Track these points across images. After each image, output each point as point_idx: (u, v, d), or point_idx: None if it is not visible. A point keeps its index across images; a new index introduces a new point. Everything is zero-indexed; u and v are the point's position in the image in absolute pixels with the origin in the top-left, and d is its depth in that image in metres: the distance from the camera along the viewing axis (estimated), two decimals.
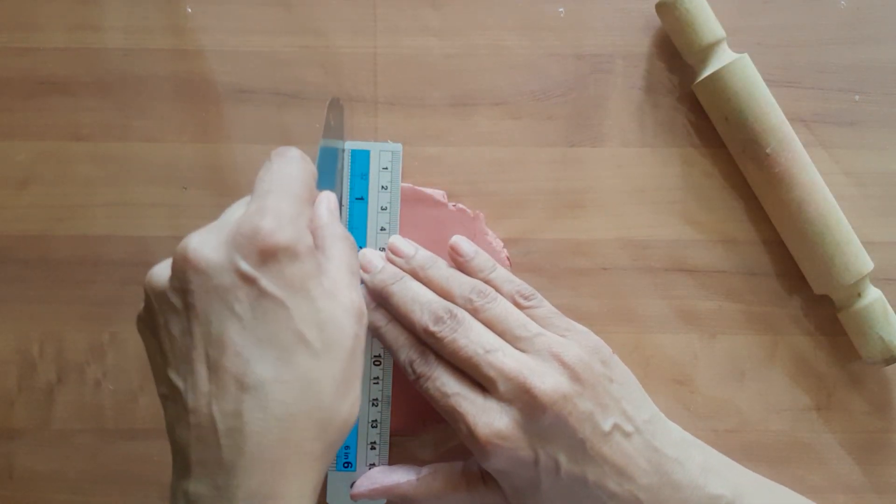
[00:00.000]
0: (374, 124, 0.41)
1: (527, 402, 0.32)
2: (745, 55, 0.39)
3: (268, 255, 0.28)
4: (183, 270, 0.28)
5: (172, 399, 0.29)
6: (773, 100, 0.39)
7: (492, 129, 0.41)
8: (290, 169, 0.31)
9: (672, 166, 0.41)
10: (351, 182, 0.38)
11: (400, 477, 0.36)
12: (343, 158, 0.38)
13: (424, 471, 0.37)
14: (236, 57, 0.41)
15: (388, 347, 0.36)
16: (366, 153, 0.38)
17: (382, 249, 0.38)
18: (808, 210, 0.39)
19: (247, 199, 0.32)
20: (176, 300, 0.28)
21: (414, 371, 0.34)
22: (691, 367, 0.41)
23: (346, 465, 0.38)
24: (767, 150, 0.39)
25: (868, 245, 0.40)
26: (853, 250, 0.39)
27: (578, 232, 0.41)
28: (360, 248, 0.37)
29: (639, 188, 0.41)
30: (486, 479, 0.35)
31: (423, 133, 0.41)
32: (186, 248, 0.29)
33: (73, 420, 0.41)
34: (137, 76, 0.41)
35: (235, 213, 0.31)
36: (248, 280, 0.28)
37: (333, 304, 0.29)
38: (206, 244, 0.29)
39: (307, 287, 0.29)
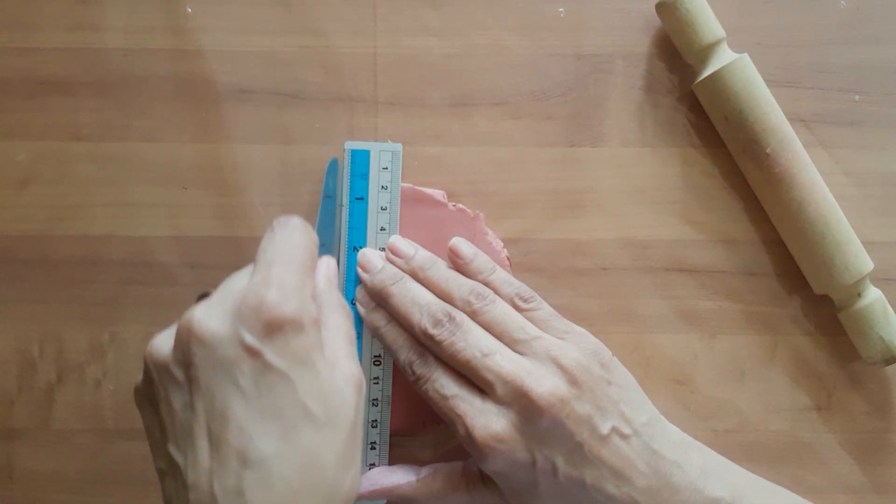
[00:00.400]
0: (374, 124, 0.41)
1: (524, 406, 0.32)
2: (745, 55, 0.39)
3: (273, 328, 0.28)
4: (187, 342, 0.28)
5: (171, 475, 0.28)
6: (773, 100, 0.39)
7: (492, 129, 0.41)
8: (293, 238, 0.31)
9: (672, 166, 0.41)
10: (351, 182, 0.38)
11: (400, 478, 0.36)
12: (340, 212, 0.38)
13: (424, 471, 0.37)
14: (236, 57, 0.41)
15: (387, 348, 0.36)
16: (366, 153, 0.38)
17: (382, 249, 0.38)
18: (808, 210, 0.39)
19: (249, 268, 0.31)
20: (178, 373, 0.28)
21: (413, 372, 0.34)
22: (691, 367, 0.41)
23: None
24: (767, 150, 0.39)
25: (868, 245, 0.40)
26: (853, 250, 0.39)
27: (578, 232, 0.41)
28: (360, 248, 0.38)
29: (639, 188, 0.41)
30: (485, 479, 0.35)
31: (423, 133, 0.41)
32: (191, 319, 0.28)
33: (73, 420, 0.41)
34: (137, 76, 0.41)
35: (238, 282, 0.30)
36: (252, 353, 0.27)
37: (335, 375, 0.29)
38: (211, 316, 0.28)
39: (311, 359, 0.28)
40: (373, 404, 0.38)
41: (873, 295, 0.39)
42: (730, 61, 0.39)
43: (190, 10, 0.41)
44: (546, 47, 0.41)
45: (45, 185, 0.41)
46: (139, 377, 0.31)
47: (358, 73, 0.41)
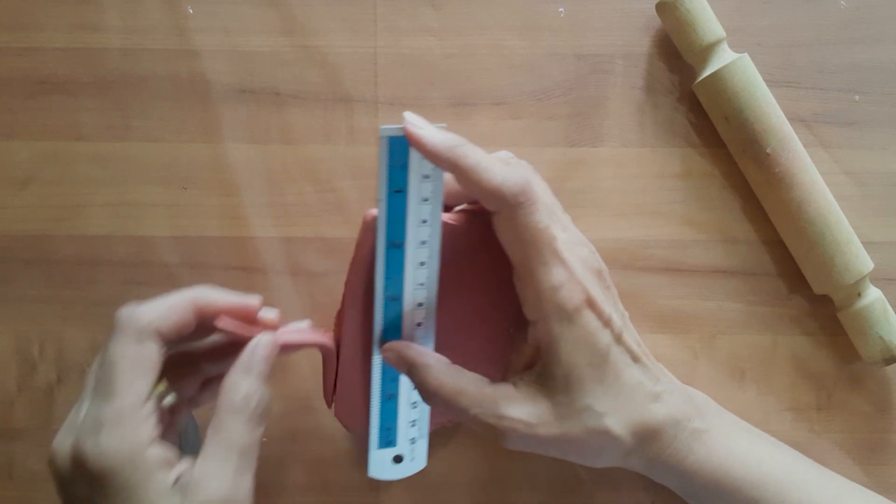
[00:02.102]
0: (374, 124, 0.41)
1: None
2: (746, 55, 0.39)
3: (92, 478, 0.28)
4: (52, 474, 0.30)
5: None
6: (773, 100, 0.39)
7: (492, 129, 0.41)
8: (123, 356, 0.30)
9: (672, 166, 0.41)
10: (389, 173, 0.32)
11: (433, 357, 0.34)
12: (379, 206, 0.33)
13: (456, 367, 0.34)
14: (236, 57, 0.41)
15: None
16: (404, 140, 0.31)
17: (423, 243, 0.33)
18: (808, 210, 0.39)
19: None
20: None
21: None
22: (691, 367, 0.41)
23: (387, 443, 0.37)
24: (767, 150, 0.39)
25: (868, 245, 0.40)
26: (853, 250, 0.39)
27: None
28: (399, 244, 0.33)
29: (639, 188, 0.41)
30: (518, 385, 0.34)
31: None
32: (50, 451, 0.30)
33: None
34: (137, 76, 0.41)
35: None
36: (85, 499, 0.29)
37: None
38: (57, 453, 0.30)
39: (139, 499, 0.28)
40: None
41: (873, 295, 0.39)
42: (730, 61, 0.39)
43: (190, 11, 0.41)
44: (546, 47, 0.41)
45: (45, 185, 0.41)
46: None
47: (358, 73, 0.41)
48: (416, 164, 0.32)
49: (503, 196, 0.31)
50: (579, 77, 0.41)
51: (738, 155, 0.40)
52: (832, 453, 0.41)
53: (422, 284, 0.34)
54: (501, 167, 0.31)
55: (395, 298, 0.34)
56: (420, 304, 0.34)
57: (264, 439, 0.39)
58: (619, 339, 0.33)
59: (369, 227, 0.32)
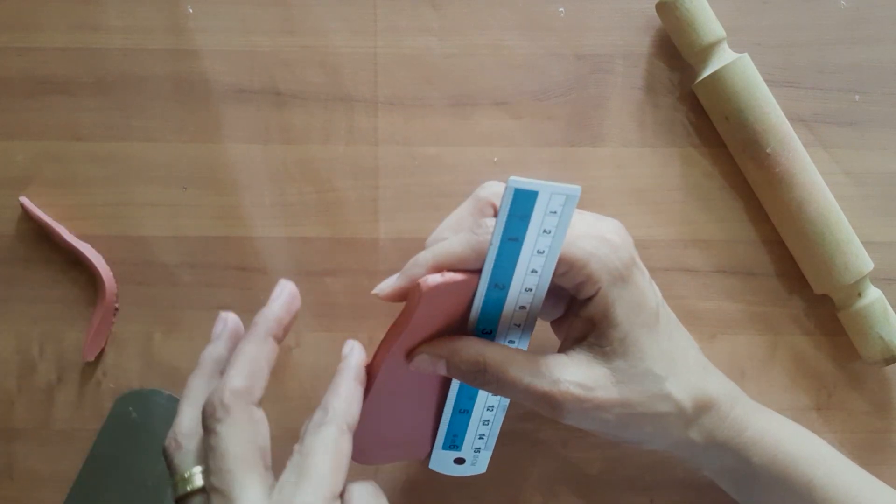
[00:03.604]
0: (374, 124, 0.41)
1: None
2: (746, 55, 0.39)
3: None
4: None
5: None
6: (773, 100, 0.39)
7: (492, 129, 0.41)
8: (326, 449, 0.30)
9: (672, 166, 0.41)
10: (507, 221, 0.30)
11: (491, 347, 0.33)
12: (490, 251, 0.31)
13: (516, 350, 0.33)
14: (236, 57, 0.41)
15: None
16: (532, 194, 0.30)
17: (528, 290, 0.32)
18: (808, 210, 0.39)
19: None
20: None
21: None
22: None
23: (452, 446, 0.37)
24: (768, 150, 0.39)
25: (868, 245, 0.40)
26: (853, 250, 0.39)
27: None
28: (504, 286, 0.32)
29: (639, 188, 0.41)
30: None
31: (423, 133, 0.41)
32: None
33: (73, 420, 0.41)
34: (137, 76, 0.41)
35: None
36: None
37: None
38: None
39: None
40: (487, 409, 0.36)
41: (873, 295, 0.39)
42: (730, 61, 0.39)
43: (190, 10, 0.41)
44: (546, 47, 0.41)
45: (45, 185, 0.41)
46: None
47: (358, 73, 0.41)
48: (539, 218, 0.31)
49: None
50: (579, 77, 0.41)
51: (738, 155, 0.40)
52: None
53: (518, 326, 0.34)
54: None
55: (487, 332, 0.33)
56: (511, 342, 0.34)
57: None
58: (662, 299, 0.33)
59: (424, 299, 0.31)
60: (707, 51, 0.39)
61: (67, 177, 0.41)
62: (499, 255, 0.31)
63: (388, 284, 0.32)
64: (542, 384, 0.31)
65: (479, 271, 0.32)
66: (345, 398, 0.31)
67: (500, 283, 0.32)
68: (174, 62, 0.41)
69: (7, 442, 0.41)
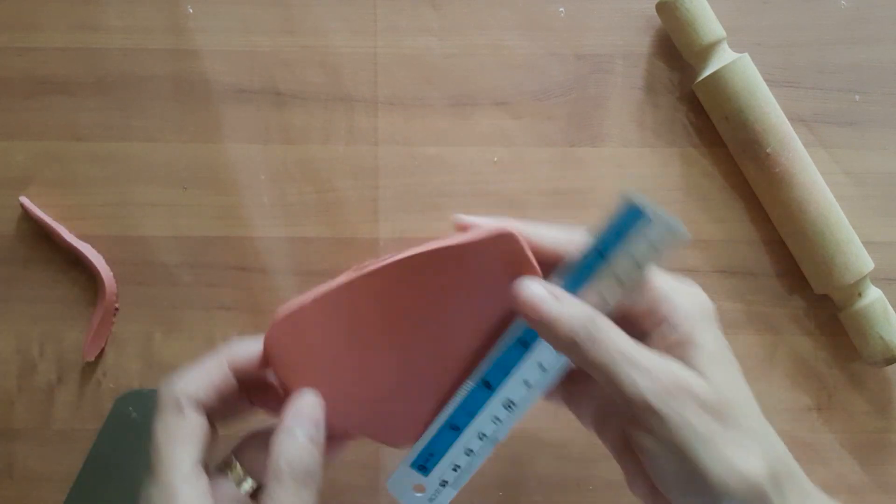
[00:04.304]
0: (374, 124, 0.41)
1: None
2: (746, 55, 0.39)
3: None
4: None
5: None
6: (773, 100, 0.39)
7: (492, 129, 0.41)
8: (165, 436, 0.29)
9: (672, 166, 0.41)
10: (604, 234, 0.29)
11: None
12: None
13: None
14: (236, 57, 0.41)
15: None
16: (639, 214, 0.28)
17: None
18: (808, 210, 0.39)
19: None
20: None
21: None
22: None
23: (421, 467, 0.34)
24: (768, 150, 0.39)
25: (868, 245, 0.40)
26: (853, 250, 0.39)
27: None
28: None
29: (639, 188, 0.41)
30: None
31: (423, 133, 0.41)
32: None
33: (73, 420, 0.41)
34: (137, 76, 0.41)
35: None
36: None
37: None
38: None
39: None
40: (479, 437, 0.33)
41: (873, 295, 0.39)
42: (730, 61, 0.39)
43: (190, 10, 0.41)
44: (546, 47, 0.41)
45: (45, 185, 0.41)
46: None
47: (358, 73, 0.41)
48: (633, 243, 0.29)
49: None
50: (579, 77, 0.41)
51: (738, 155, 0.40)
52: (832, 453, 0.41)
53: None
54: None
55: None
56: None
57: None
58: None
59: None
60: (707, 51, 0.39)
61: (67, 177, 0.41)
62: (583, 266, 0.29)
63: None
64: (650, 362, 0.28)
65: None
66: (198, 372, 0.30)
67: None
68: (174, 62, 0.41)
69: (7, 442, 0.41)
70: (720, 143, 0.41)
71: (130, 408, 0.40)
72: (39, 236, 0.41)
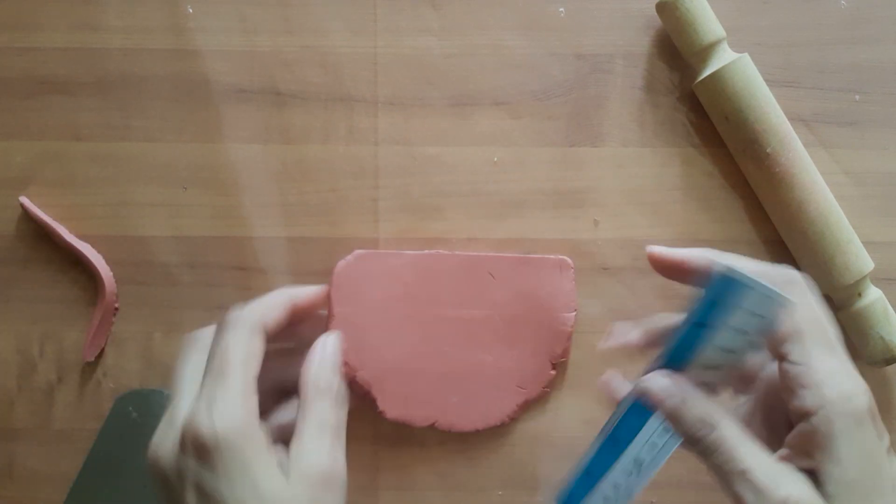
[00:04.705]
0: (374, 124, 0.41)
1: None
2: (746, 55, 0.39)
3: (204, 452, 0.28)
4: (152, 475, 0.31)
5: None
6: (773, 100, 0.39)
7: (492, 129, 0.41)
8: (236, 344, 0.31)
9: (672, 166, 0.41)
10: (704, 305, 0.28)
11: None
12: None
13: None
14: (236, 57, 0.41)
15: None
16: (740, 286, 0.28)
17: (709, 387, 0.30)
18: (808, 210, 0.39)
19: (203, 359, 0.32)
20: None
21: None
22: None
23: None
24: (768, 150, 0.39)
25: (868, 245, 0.40)
26: (853, 250, 0.39)
27: (578, 232, 0.41)
28: (677, 368, 0.30)
29: (639, 188, 0.41)
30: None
31: (423, 133, 0.41)
32: (150, 447, 0.31)
33: (73, 420, 0.41)
34: (137, 76, 0.41)
35: (185, 398, 0.31)
36: (192, 482, 0.29)
37: (289, 479, 0.29)
38: (160, 445, 0.30)
39: (248, 472, 0.29)
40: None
41: (874, 295, 0.39)
42: (730, 61, 0.39)
43: (190, 10, 0.41)
44: (546, 47, 0.41)
45: (45, 185, 0.41)
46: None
47: (358, 73, 0.41)
48: (741, 317, 0.28)
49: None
50: (579, 77, 0.41)
51: (738, 155, 0.40)
52: None
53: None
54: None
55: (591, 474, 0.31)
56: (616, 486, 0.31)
57: None
58: (892, 462, 0.28)
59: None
60: (707, 51, 0.39)
61: (67, 177, 0.41)
62: (683, 336, 0.29)
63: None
64: (763, 479, 0.27)
65: None
66: (265, 302, 0.33)
67: (674, 365, 0.30)
68: (174, 62, 0.41)
69: (7, 442, 0.41)
70: (720, 143, 0.41)
71: (130, 408, 0.40)
72: (39, 236, 0.41)
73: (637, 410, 0.30)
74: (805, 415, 0.28)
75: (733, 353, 0.29)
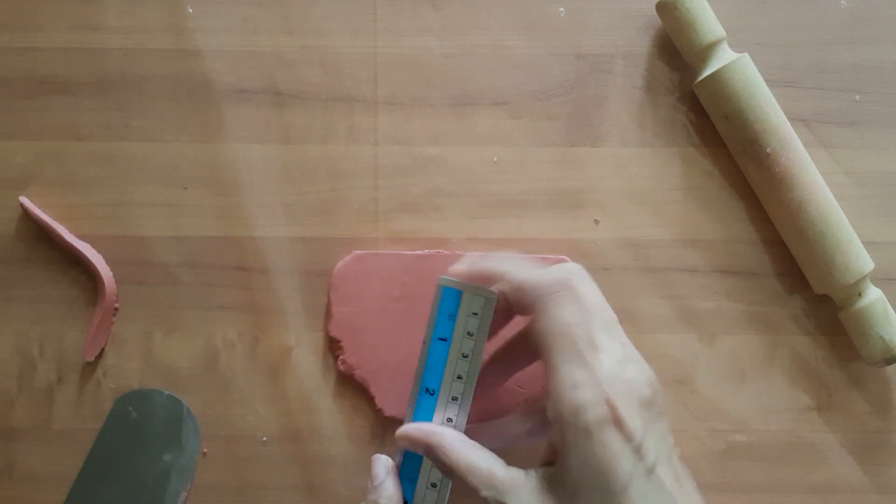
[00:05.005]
0: (374, 124, 0.41)
1: None
2: (746, 55, 0.39)
3: None
4: None
5: None
6: (773, 99, 0.39)
7: (492, 129, 0.41)
8: None
9: (672, 166, 0.41)
10: (437, 320, 0.34)
11: (447, 433, 0.33)
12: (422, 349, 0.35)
13: (472, 442, 0.33)
14: (236, 57, 0.41)
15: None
16: (458, 293, 0.34)
17: (454, 400, 0.34)
18: (808, 210, 0.39)
19: None
20: None
21: None
22: (691, 367, 0.41)
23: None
24: (768, 150, 0.39)
25: (868, 245, 0.40)
26: (853, 250, 0.39)
27: (578, 232, 0.41)
28: (434, 391, 0.34)
29: (639, 188, 0.41)
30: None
31: (423, 133, 0.41)
32: None
33: (73, 420, 0.41)
34: (137, 76, 0.41)
35: None
36: None
37: None
38: None
39: None
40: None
41: (874, 295, 0.39)
42: (730, 61, 0.39)
43: (190, 10, 0.41)
44: (546, 47, 0.41)
45: (45, 185, 0.41)
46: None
47: (358, 73, 0.41)
48: (463, 319, 0.34)
49: (534, 288, 0.31)
50: (579, 77, 0.41)
51: (738, 155, 0.40)
52: (832, 453, 0.41)
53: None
54: (537, 268, 0.32)
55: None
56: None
57: (264, 439, 0.40)
58: (650, 471, 0.29)
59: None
60: (707, 51, 0.39)
61: (67, 177, 0.41)
62: (429, 356, 0.34)
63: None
64: (485, 491, 0.31)
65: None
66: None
67: (432, 389, 0.34)
68: (174, 62, 0.41)
69: (7, 442, 0.41)
70: (720, 143, 0.41)
71: (130, 408, 0.40)
72: (39, 236, 0.41)
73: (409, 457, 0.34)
74: (550, 423, 0.30)
75: (469, 358, 0.34)
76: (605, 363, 0.30)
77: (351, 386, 0.40)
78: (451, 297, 0.34)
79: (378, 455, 0.35)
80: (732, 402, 0.41)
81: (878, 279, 0.40)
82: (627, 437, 0.29)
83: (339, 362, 0.40)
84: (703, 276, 0.41)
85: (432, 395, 0.34)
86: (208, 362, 0.40)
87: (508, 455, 0.32)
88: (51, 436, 0.41)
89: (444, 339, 0.34)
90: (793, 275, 0.41)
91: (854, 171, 0.41)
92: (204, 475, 0.40)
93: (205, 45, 0.41)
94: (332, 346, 0.40)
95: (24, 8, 0.41)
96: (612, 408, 0.29)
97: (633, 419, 0.29)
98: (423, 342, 0.34)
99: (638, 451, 0.29)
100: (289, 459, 0.40)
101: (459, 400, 0.34)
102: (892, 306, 0.39)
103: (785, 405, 0.41)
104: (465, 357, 0.34)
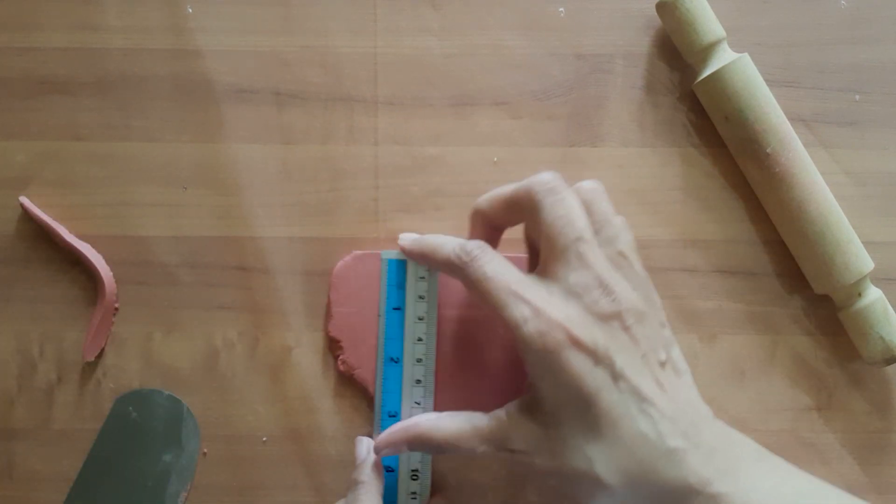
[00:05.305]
0: (374, 124, 0.41)
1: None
2: (746, 55, 0.39)
3: None
4: None
5: None
6: (773, 99, 0.39)
7: (492, 129, 0.41)
8: None
9: (672, 166, 0.41)
10: (388, 292, 0.38)
11: (419, 419, 0.35)
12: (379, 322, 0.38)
13: (446, 413, 0.35)
14: (236, 57, 0.41)
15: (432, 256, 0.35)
16: (403, 263, 0.38)
17: (419, 361, 0.37)
18: (808, 210, 0.39)
19: None
20: None
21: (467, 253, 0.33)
22: (691, 366, 0.41)
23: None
24: (768, 150, 0.39)
25: (868, 245, 0.40)
26: (853, 250, 0.39)
27: None
28: (397, 359, 0.38)
29: (639, 188, 0.41)
30: (510, 417, 0.34)
31: (423, 133, 0.41)
32: None
33: (73, 420, 0.41)
34: (137, 76, 0.41)
35: None
36: None
37: None
38: None
39: None
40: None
41: (874, 295, 0.39)
42: (730, 61, 0.39)
43: (190, 10, 0.41)
44: (546, 47, 0.41)
45: (45, 185, 0.41)
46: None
47: (358, 73, 0.41)
48: (413, 285, 0.37)
49: (527, 193, 0.34)
50: (579, 77, 0.41)
51: (738, 155, 0.40)
52: (832, 453, 0.41)
53: (418, 403, 0.37)
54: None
55: (392, 415, 0.37)
56: (417, 404, 0.38)
57: (264, 439, 0.40)
58: (617, 379, 0.31)
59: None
60: (707, 51, 0.39)
61: (67, 177, 0.41)
62: (387, 326, 0.37)
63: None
64: (499, 452, 0.32)
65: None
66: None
67: (395, 357, 0.37)
68: (174, 62, 0.41)
69: (7, 442, 0.41)
70: (720, 143, 0.41)
71: (130, 408, 0.40)
72: (39, 236, 0.41)
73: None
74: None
75: (425, 320, 0.37)
76: (556, 290, 0.32)
77: (351, 386, 0.40)
78: (396, 268, 0.37)
79: (361, 437, 0.37)
80: (732, 402, 0.41)
81: (878, 279, 0.40)
82: (589, 352, 0.31)
83: (339, 362, 0.40)
84: (703, 276, 0.41)
85: (397, 362, 0.37)
86: (208, 362, 0.40)
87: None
88: (51, 436, 0.41)
89: (399, 308, 0.37)
90: (793, 275, 0.41)
91: (854, 171, 0.41)
92: (204, 475, 0.40)
93: (205, 45, 0.41)
94: (332, 346, 0.40)
95: (24, 8, 0.41)
96: (564, 331, 0.30)
97: (590, 334, 0.31)
98: (378, 315, 0.38)
99: (602, 363, 0.31)
100: (289, 459, 0.40)
101: (424, 362, 0.37)
102: (892, 306, 0.39)
103: (785, 405, 0.41)
104: (420, 320, 0.37)
